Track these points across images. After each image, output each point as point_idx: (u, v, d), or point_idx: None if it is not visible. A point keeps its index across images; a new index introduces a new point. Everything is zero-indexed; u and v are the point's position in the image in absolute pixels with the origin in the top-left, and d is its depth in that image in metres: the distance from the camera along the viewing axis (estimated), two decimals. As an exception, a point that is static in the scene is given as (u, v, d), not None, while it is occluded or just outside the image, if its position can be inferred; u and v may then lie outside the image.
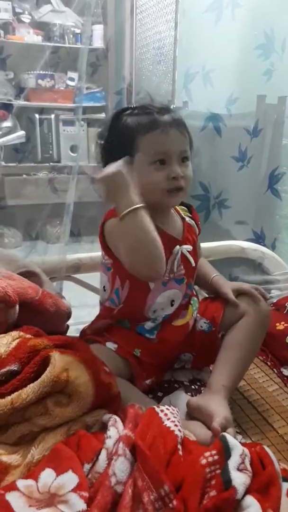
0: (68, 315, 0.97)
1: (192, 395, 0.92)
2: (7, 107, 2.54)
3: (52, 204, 1.97)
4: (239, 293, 0.96)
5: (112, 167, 0.77)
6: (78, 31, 2.79)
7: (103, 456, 0.59)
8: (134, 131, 0.83)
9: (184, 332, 0.95)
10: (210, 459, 0.61)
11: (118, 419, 0.67)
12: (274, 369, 1.09)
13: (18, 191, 2.68)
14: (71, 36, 2.77)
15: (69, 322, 0.99)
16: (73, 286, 1.29)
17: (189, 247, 0.93)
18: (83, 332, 0.98)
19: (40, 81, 2.73)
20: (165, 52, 2.15)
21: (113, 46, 2.68)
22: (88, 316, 1.03)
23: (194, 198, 1.83)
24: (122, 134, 0.85)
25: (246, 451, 0.65)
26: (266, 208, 1.56)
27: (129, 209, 0.73)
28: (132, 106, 0.88)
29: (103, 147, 0.88)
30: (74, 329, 1.05)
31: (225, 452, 0.63)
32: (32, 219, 2.67)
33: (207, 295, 1.08)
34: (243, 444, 0.69)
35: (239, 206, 1.74)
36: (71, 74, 2.75)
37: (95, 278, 1.10)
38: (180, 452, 0.63)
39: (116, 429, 0.64)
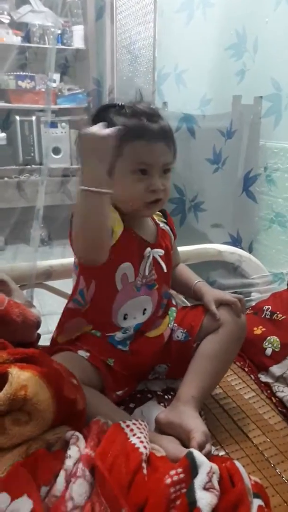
0: (37, 324, 0.94)
1: (165, 406, 0.89)
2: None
3: (31, 207, 1.92)
4: (221, 303, 0.92)
5: (105, 130, 0.68)
6: (58, 31, 2.76)
7: (61, 478, 0.56)
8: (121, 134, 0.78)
9: (159, 344, 0.92)
10: (175, 478, 0.58)
11: (80, 436, 0.63)
12: (251, 375, 1.07)
13: (0, 195, 2.63)
14: (51, 36, 2.72)
15: (47, 330, 0.96)
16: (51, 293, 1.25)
17: (160, 251, 0.91)
18: (53, 340, 0.95)
19: (20, 83, 2.69)
20: (144, 53, 2.13)
21: (94, 46, 2.64)
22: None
23: (169, 202, 1.80)
24: None
25: (215, 467, 0.62)
26: (242, 211, 1.53)
27: (92, 188, 0.68)
28: (119, 103, 0.82)
29: None
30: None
31: (192, 470, 0.60)
32: (14, 223, 2.62)
33: (188, 303, 1.06)
34: (213, 459, 0.66)
35: (215, 209, 1.71)
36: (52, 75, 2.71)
37: (68, 285, 1.07)
38: (145, 471, 0.60)
39: (77, 447, 0.61)
